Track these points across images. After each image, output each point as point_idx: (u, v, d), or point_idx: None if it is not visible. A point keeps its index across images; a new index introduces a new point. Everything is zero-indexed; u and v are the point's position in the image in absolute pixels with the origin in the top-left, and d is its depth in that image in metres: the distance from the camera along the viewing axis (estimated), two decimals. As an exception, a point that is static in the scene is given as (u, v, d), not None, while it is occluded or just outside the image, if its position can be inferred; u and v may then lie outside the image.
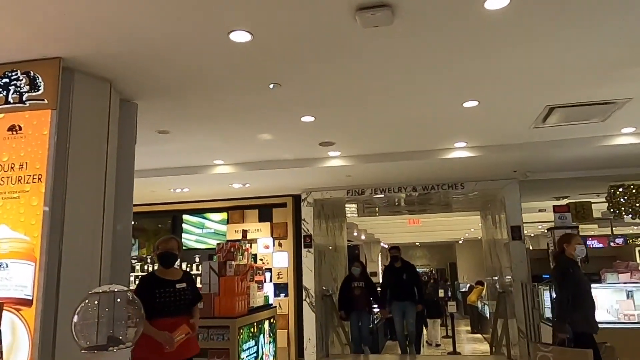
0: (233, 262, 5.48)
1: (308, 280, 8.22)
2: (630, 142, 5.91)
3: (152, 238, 9.40)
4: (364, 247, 22.97)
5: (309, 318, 8.13)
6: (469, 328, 14.27)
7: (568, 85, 4.35)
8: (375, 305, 8.56)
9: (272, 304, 6.31)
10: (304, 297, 8.19)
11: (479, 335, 12.75)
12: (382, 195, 8.55)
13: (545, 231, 19.40)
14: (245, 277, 5.47)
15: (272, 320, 6.14)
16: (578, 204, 8.18)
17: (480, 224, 11.59)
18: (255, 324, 5.54)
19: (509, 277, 7.91)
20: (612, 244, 15.12)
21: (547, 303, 6.05)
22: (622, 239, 15.84)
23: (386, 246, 28.93)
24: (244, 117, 4.93)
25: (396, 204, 10.14)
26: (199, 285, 4.89)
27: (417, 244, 29.23)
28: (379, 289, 8.65)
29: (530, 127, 5.47)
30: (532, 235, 19.43)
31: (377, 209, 11.00)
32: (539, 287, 6.22)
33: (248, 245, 6.25)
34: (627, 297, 6.05)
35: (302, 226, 8.43)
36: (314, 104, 4.62)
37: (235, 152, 6.31)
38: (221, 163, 6.82)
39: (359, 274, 8.08)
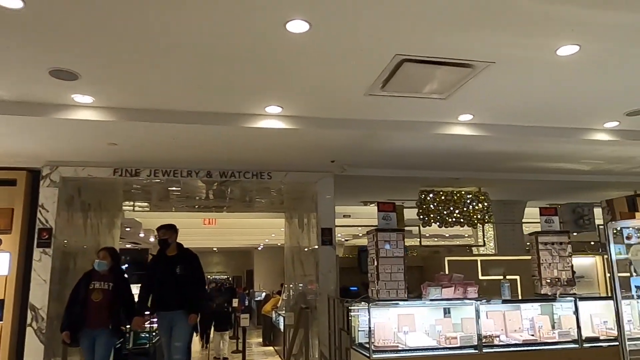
0: None
1: (38, 296, 5.55)
2: (463, 133, 5.06)
3: None
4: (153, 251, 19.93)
5: (35, 351, 5.46)
6: (261, 340, 13.20)
7: (427, 23, 3.03)
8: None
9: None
10: (28, 321, 5.49)
11: (271, 348, 11.96)
12: (179, 188, 6.44)
13: (344, 240, 19.56)
14: None
15: None
16: (392, 207, 7.35)
17: (283, 228, 10.27)
18: None
19: (314, 288, 6.59)
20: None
21: (363, 324, 4.79)
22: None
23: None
24: None
25: (196, 197, 8.07)
26: None
27: (215, 249, 27.37)
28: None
29: (365, 92, 4.10)
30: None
31: (172, 203, 8.75)
32: (354, 304, 4.93)
33: None
34: (445, 314, 5.17)
35: (39, 216, 5.74)
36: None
37: None
38: None
39: (106, 270, 5.17)
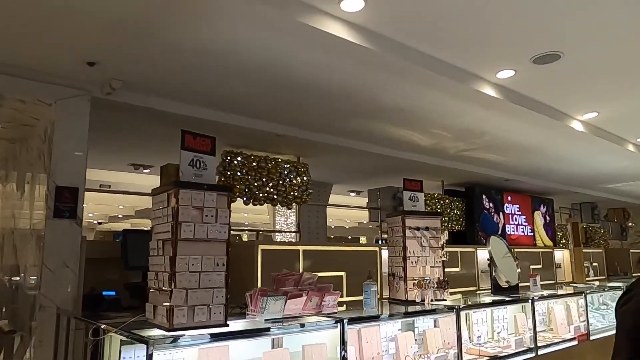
0: None
1: None
2: (338, 34, 3.01)
3: None
4: None
5: None
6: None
7: None
8: None
9: None
10: None
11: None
12: None
13: (97, 222, 15.40)
14: None
15: None
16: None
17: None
18: None
19: (35, 292, 3.64)
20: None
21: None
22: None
23: None
24: None
25: None
26: None
27: None
28: None
29: None
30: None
31: None
32: (113, 333, 2.35)
33: None
34: (274, 342, 3.03)
35: None
36: None
37: None
38: None
39: None
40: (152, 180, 7.58)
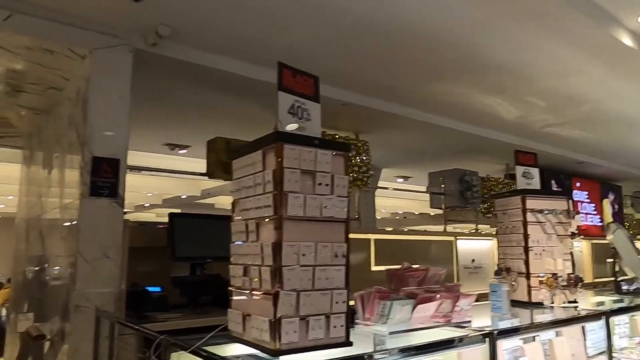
0: None
1: None
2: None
3: None
4: None
5: None
6: (-23, 350, 8.89)
7: None
8: None
9: None
10: None
11: (-3, 362, 7.79)
12: None
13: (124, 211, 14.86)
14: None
15: None
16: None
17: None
18: None
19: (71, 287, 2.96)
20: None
21: None
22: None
23: None
24: None
25: None
26: None
27: None
28: None
29: None
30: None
31: None
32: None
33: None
34: None
35: None
36: None
37: None
38: None
39: None
40: (186, 164, 6.88)
